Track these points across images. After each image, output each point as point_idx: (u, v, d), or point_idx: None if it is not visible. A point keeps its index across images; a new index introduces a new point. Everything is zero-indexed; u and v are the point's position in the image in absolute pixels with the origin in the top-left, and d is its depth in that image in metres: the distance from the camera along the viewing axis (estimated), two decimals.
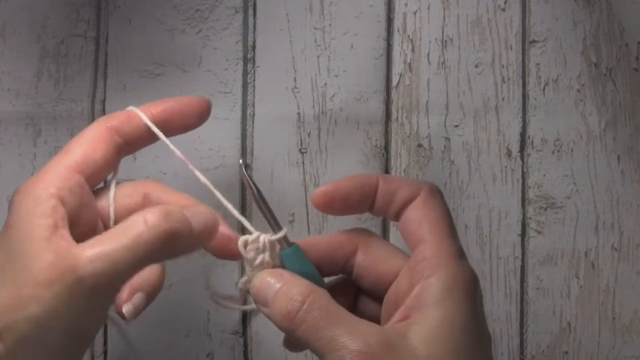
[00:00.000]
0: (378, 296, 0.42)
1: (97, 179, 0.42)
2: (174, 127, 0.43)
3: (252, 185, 0.40)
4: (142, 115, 0.42)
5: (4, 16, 0.58)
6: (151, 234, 0.36)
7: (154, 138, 0.43)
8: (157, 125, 0.43)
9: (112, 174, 0.43)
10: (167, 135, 0.43)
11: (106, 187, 0.43)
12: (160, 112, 0.43)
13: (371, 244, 0.42)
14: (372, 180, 0.41)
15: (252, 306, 0.42)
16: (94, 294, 0.35)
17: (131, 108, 0.43)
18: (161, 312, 0.56)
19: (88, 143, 0.41)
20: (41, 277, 0.35)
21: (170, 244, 0.37)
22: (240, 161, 0.41)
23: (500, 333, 0.57)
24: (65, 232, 0.37)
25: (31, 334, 0.34)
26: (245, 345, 0.57)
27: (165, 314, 0.56)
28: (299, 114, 0.58)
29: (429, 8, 0.59)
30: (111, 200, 0.42)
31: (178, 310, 0.56)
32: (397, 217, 0.42)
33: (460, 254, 0.39)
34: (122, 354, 0.57)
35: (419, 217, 0.40)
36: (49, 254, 0.36)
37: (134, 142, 0.43)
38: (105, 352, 0.56)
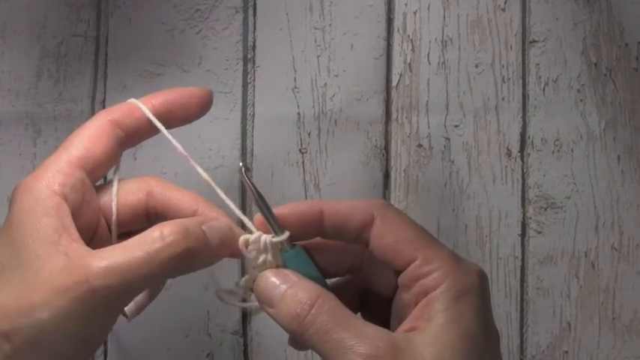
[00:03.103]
0: (386, 286, 0.41)
1: (99, 174, 0.41)
2: (176, 118, 0.42)
3: (252, 189, 0.40)
4: (144, 108, 0.41)
5: (4, 16, 0.58)
6: (168, 251, 0.35)
7: (156, 130, 0.42)
8: (158, 117, 0.41)
9: (114, 169, 0.42)
10: (169, 127, 0.42)
11: (108, 183, 0.42)
12: (162, 103, 0.42)
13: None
14: (315, 208, 0.40)
15: (255, 303, 0.41)
16: (106, 305, 0.35)
17: (132, 100, 0.42)
18: (161, 312, 0.56)
19: (89, 138, 0.40)
20: (53, 283, 0.34)
21: (186, 262, 0.37)
22: (241, 164, 0.40)
23: (500, 333, 0.57)
24: (73, 232, 0.37)
25: (38, 338, 0.34)
26: (245, 345, 0.57)
27: (166, 314, 0.56)
28: (299, 114, 0.58)
29: (429, 8, 0.59)
30: (114, 196, 0.41)
31: (178, 310, 0.56)
32: (357, 238, 0.40)
33: (455, 255, 0.39)
34: (122, 354, 0.57)
35: (390, 230, 0.39)
36: (60, 258, 0.35)
37: (136, 134, 0.42)
38: (105, 352, 0.56)
